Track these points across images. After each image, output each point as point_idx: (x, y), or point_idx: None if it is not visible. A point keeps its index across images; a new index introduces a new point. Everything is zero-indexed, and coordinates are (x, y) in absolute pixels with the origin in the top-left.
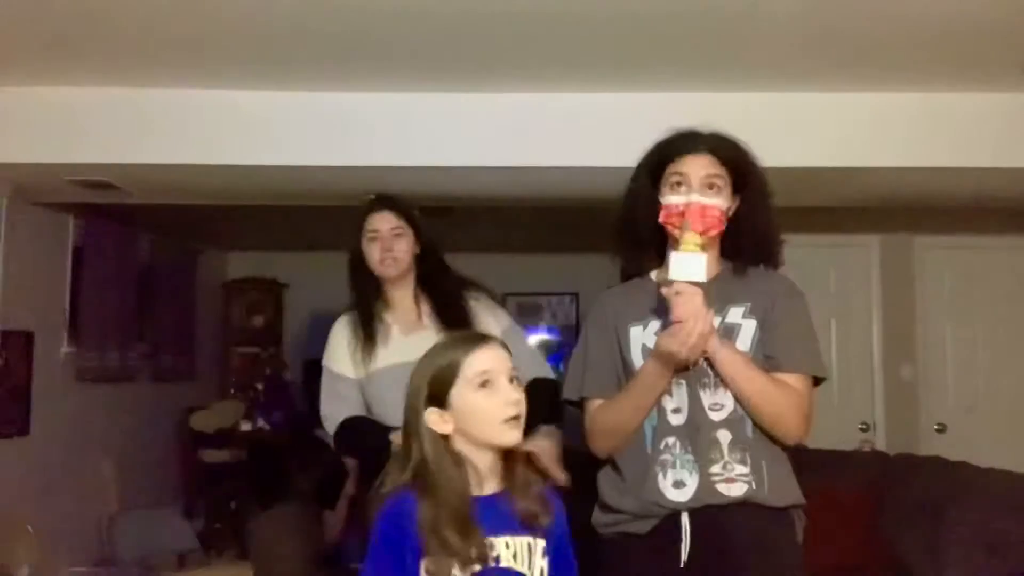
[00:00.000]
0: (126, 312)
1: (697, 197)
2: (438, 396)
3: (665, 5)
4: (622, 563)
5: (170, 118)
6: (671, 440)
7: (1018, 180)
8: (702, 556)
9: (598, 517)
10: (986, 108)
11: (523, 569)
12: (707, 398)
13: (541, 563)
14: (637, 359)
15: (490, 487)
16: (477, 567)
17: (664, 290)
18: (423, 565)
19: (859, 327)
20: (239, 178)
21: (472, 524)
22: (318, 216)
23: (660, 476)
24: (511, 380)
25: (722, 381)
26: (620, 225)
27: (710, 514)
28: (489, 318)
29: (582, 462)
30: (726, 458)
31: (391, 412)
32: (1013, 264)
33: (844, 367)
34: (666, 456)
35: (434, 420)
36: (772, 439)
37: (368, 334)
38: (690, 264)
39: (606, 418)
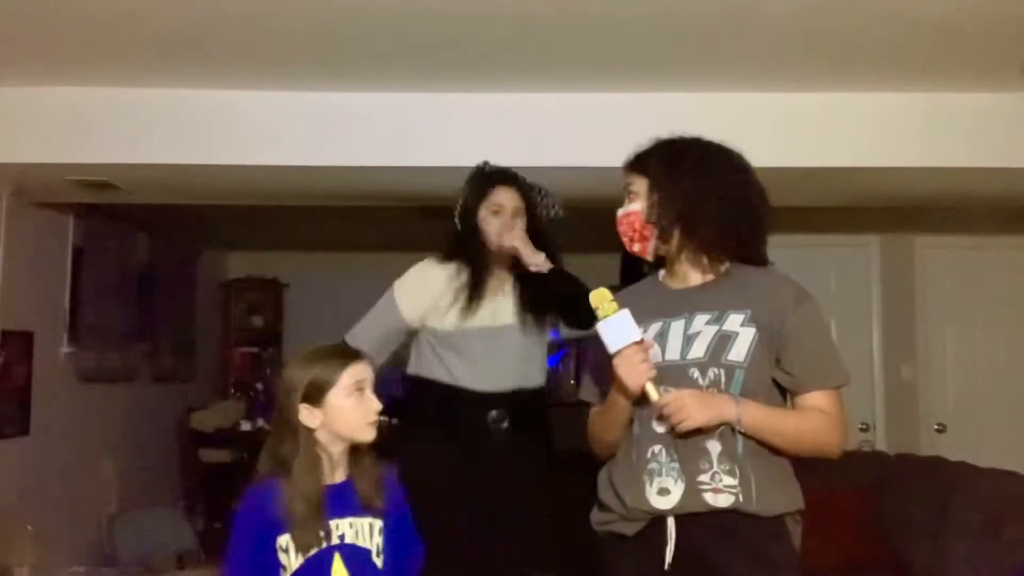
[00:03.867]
0: (126, 312)
1: (619, 211)
2: (313, 396)
3: (665, 5)
4: (613, 562)
5: (170, 118)
6: (656, 448)
7: (1019, 180)
8: (687, 561)
9: (594, 514)
10: (987, 108)
11: (367, 545)
12: None
13: (378, 540)
14: (652, 353)
15: (339, 475)
16: (316, 548)
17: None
18: (278, 542)
19: (859, 327)
20: (239, 178)
21: (319, 510)
22: (318, 216)
23: (647, 484)
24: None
25: (712, 384)
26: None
27: (697, 520)
28: None
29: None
30: (715, 468)
31: (476, 370)
32: (1013, 264)
33: None
34: (652, 464)
35: (305, 415)
36: (770, 451)
37: (477, 291)
38: (619, 327)
39: (592, 426)
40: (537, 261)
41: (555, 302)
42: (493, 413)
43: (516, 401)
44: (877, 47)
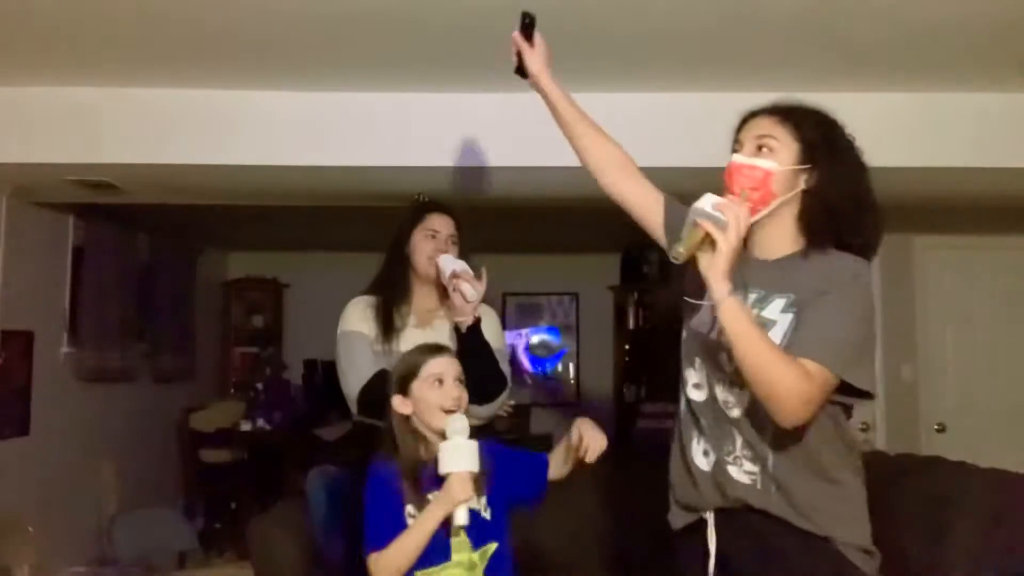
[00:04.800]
0: (126, 312)
1: (737, 156)
2: (403, 386)
3: (665, 5)
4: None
5: (170, 118)
6: (698, 413)
7: (1019, 180)
8: (726, 567)
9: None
10: (987, 108)
11: (473, 505)
12: (720, 393)
13: (482, 499)
14: (695, 314)
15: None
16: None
17: None
18: (407, 509)
19: None
20: (239, 178)
21: (419, 482)
22: (318, 216)
23: (694, 441)
24: (458, 382)
25: (737, 372)
26: None
27: (734, 522)
28: (488, 321)
29: None
30: (737, 453)
31: None
32: (1013, 264)
33: None
34: (698, 427)
35: (398, 403)
36: (815, 463)
37: (388, 321)
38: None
39: None
40: (462, 318)
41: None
42: None
43: None
44: (877, 47)
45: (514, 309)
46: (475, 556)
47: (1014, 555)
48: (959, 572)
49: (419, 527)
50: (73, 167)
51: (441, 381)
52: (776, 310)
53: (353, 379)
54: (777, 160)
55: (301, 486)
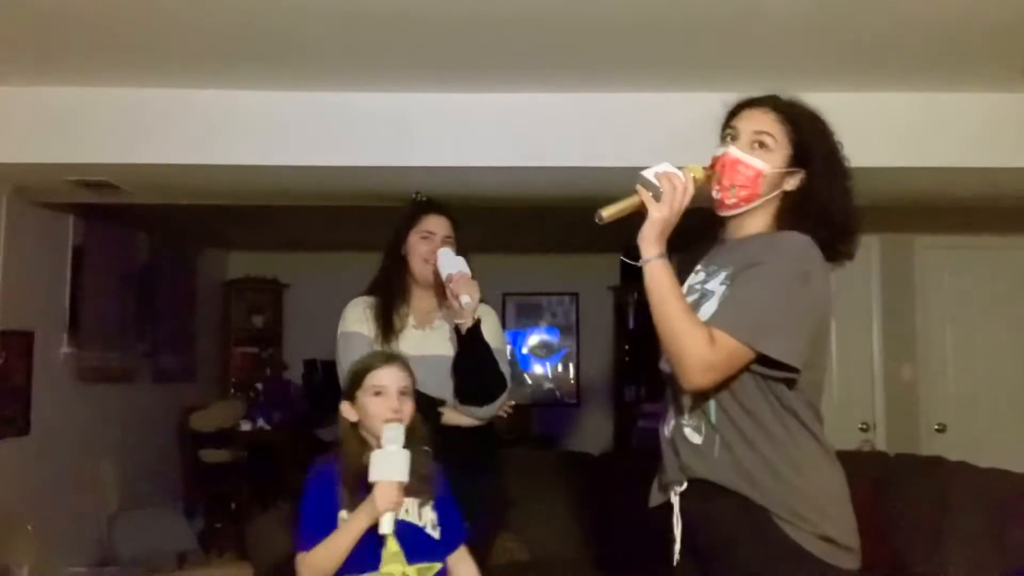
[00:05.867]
0: (126, 312)
1: (733, 149)
2: (350, 394)
3: (665, 5)
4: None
5: (170, 118)
6: (667, 382)
7: (1019, 180)
8: (689, 542)
9: None
10: (986, 108)
11: (417, 522)
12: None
13: (431, 515)
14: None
15: None
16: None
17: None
18: (340, 515)
19: (859, 327)
20: (239, 178)
21: (356, 488)
22: (318, 216)
23: (668, 413)
24: (402, 394)
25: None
26: None
27: (693, 498)
28: (488, 321)
29: None
30: (686, 412)
31: None
32: (1013, 264)
33: (844, 367)
34: (667, 396)
35: (346, 410)
36: (755, 429)
37: (388, 322)
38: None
39: None
40: (462, 320)
41: (455, 370)
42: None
43: (451, 436)
44: (878, 47)
45: (514, 309)
46: (410, 570)
47: (1014, 555)
48: (959, 571)
49: (344, 532)
50: (73, 167)
51: (380, 393)
52: (716, 283)
53: None
54: (771, 161)
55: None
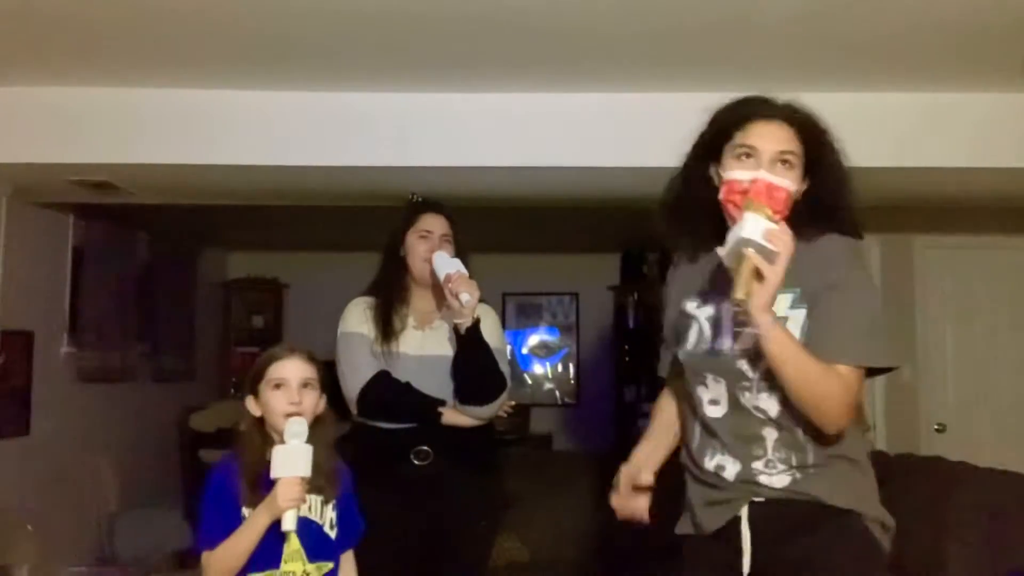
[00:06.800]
0: (126, 312)
1: (765, 174)
2: (253, 388)
3: (665, 6)
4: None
5: (170, 118)
6: (710, 430)
7: (1019, 180)
8: (764, 559)
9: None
10: (987, 108)
11: (317, 520)
12: (748, 400)
13: (331, 515)
14: (691, 335)
15: None
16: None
17: None
18: (243, 512)
19: None
20: (239, 178)
21: (258, 484)
22: (318, 216)
23: (708, 457)
24: (304, 386)
25: (764, 376)
26: (671, 205)
27: (768, 511)
28: (487, 321)
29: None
30: (768, 456)
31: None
32: (1013, 264)
33: None
34: (714, 441)
35: (250, 405)
36: (842, 446)
37: (388, 322)
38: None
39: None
40: (462, 319)
41: (455, 370)
42: (415, 452)
43: (451, 435)
44: (877, 47)
45: (514, 309)
46: (310, 568)
47: (1014, 555)
48: (958, 572)
49: (246, 530)
50: (73, 167)
51: (280, 385)
52: (784, 306)
53: (352, 380)
54: (794, 179)
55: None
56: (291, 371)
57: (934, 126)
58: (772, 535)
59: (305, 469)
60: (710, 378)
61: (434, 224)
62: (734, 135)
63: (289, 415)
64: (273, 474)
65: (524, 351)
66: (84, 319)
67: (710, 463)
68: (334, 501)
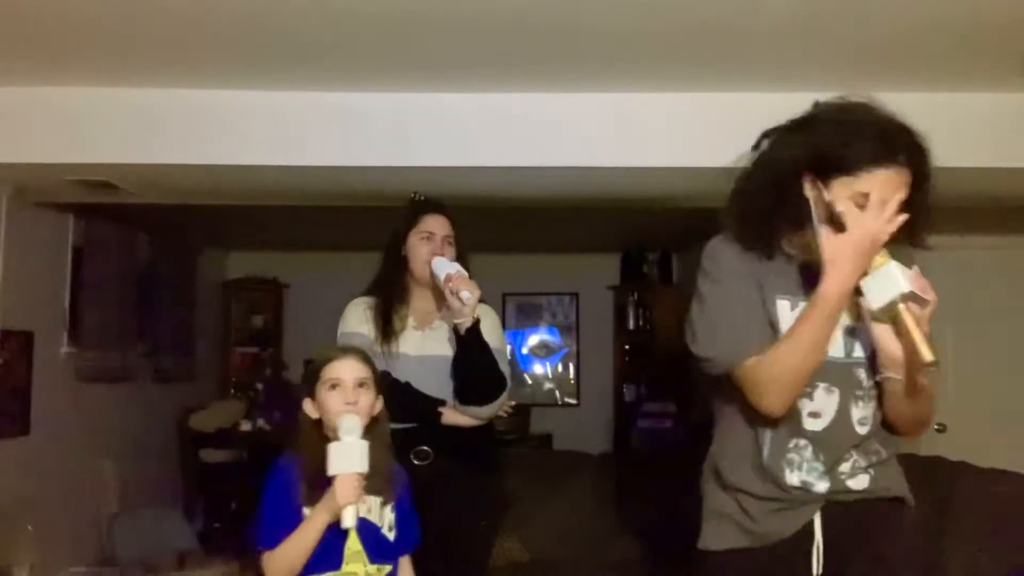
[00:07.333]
0: (126, 312)
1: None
2: (310, 390)
3: (664, 5)
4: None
5: (170, 118)
6: (802, 442)
7: (1019, 180)
8: (834, 557)
9: (711, 535)
10: (987, 108)
11: (376, 521)
12: (857, 412)
13: (389, 516)
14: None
15: None
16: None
17: None
18: (304, 511)
19: None
20: (239, 178)
21: (317, 484)
22: (318, 216)
23: (788, 471)
24: (359, 386)
25: (875, 385)
26: (754, 213)
27: (839, 510)
28: (487, 321)
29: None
30: (855, 460)
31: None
32: (1013, 264)
33: None
34: (793, 456)
35: (307, 406)
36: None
37: (388, 323)
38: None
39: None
40: (462, 319)
41: (455, 370)
42: (415, 452)
43: (451, 435)
44: (877, 47)
45: (514, 309)
46: (371, 569)
47: (1014, 555)
48: (959, 572)
49: (306, 529)
50: (73, 167)
51: (336, 385)
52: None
53: None
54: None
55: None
56: (346, 371)
57: (934, 126)
58: (844, 534)
59: (361, 464)
60: (821, 388)
61: (436, 225)
62: (853, 173)
63: (344, 413)
64: (330, 471)
65: (524, 351)
66: (84, 319)
67: (792, 478)
68: (392, 503)
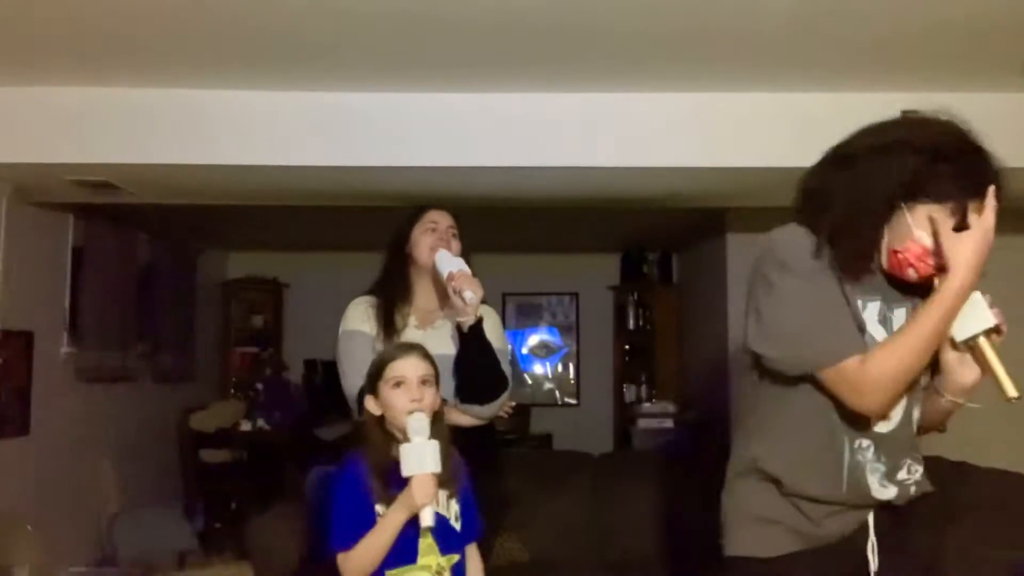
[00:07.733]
0: (126, 312)
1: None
2: (373, 387)
3: (664, 5)
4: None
5: (170, 118)
6: (865, 443)
7: (1018, 180)
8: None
9: (751, 539)
10: (987, 108)
11: (444, 513)
12: (916, 413)
13: (455, 508)
14: (875, 330)
15: None
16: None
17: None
18: (377, 508)
19: None
20: (239, 178)
21: (387, 481)
22: (318, 216)
23: (857, 473)
24: (423, 383)
25: (926, 385)
26: (847, 228)
27: (892, 510)
28: (489, 321)
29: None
30: (909, 464)
31: None
32: (1013, 264)
33: None
34: (858, 458)
35: (370, 404)
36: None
37: (390, 321)
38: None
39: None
40: (465, 317)
41: (456, 369)
42: None
43: (451, 435)
44: (877, 47)
45: (514, 309)
46: (442, 561)
47: (1014, 555)
48: (958, 571)
49: (383, 528)
50: (73, 167)
51: (401, 383)
52: (903, 317)
53: (354, 379)
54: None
55: (301, 486)
56: (410, 369)
57: None
58: (896, 530)
59: (436, 465)
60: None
61: (440, 217)
62: (942, 202)
63: (411, 411)
64: (405, 472)
65: (524, 351)
66: (84, 319)
67: (871, 481)
68: (457, 495)
